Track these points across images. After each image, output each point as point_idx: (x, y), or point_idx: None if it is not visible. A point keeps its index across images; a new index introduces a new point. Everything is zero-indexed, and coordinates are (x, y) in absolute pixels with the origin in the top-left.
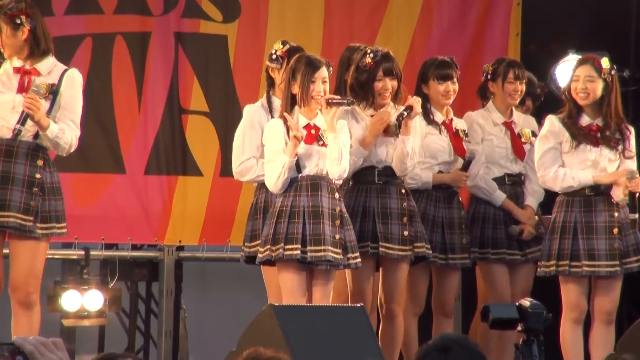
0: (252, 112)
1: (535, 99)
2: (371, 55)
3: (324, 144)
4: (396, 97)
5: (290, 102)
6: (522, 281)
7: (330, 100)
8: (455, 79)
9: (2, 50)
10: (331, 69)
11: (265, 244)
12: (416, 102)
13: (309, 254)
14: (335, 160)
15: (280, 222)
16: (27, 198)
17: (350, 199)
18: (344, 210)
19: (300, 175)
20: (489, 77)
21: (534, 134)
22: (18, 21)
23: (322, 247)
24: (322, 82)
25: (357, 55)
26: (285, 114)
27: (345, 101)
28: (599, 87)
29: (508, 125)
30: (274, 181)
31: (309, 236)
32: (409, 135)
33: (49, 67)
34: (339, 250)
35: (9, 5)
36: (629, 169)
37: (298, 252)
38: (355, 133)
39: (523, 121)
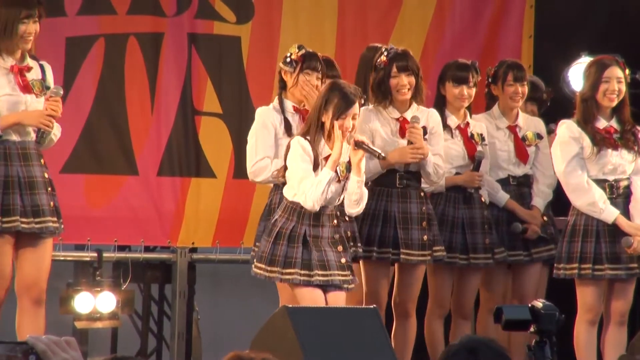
0: (264, 114)
1: (540, 104)
2: (385, 53)
3: (339, 180)
4: (416, 94)
5: (319, 131)
6: (528, 282)
7: (361, 144)
8: (471, 84)
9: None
10: (362, 100)
11: (272, 264)
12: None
13: (317, 277)
14: (354, 203)
15: (292, 247)
16: (49, 199)
17: (371, 201)
18: (344, 234)
19: None
20: (490, 80)
21: (539, 136)
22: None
23: (329, 272)
24: (352, 117)
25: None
26: (361, 137)
27: (377, 154)
28: (624, 89)
29: (512, 128)
30: (318, 197)
31: (314, 262)
32: (427, 156)
33: (31, 62)
34: (347, 272)
35: None
36: None
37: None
38: (379, 133)
39: (529, 123)
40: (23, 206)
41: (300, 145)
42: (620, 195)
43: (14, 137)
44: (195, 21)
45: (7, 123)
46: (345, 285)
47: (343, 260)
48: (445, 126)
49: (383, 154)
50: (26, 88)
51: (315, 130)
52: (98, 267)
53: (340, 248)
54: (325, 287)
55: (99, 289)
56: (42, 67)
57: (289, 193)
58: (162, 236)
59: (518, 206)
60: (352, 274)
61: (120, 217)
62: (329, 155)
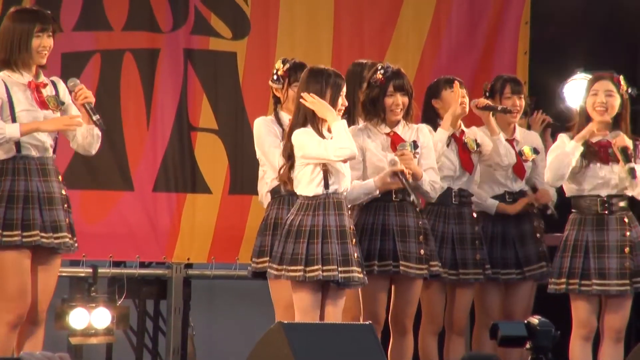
0: (265, 123)
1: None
2: (382, 71)
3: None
4: (407, 114)
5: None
6: (520, 300)
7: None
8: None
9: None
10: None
11: (294, 263)
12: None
13: (340, 275)
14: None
15: (313, 243)
16: (65, 216)
17: (368, 216)
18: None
19: (327, 192)
20: (487, 94)
21: (536, 151)
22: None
23: (350, 268)
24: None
25: (365, 72)
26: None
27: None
28: (616, 103)
29: (509, 142)
30: (348, 144)
31: (339, 257)
32: (420, 178)
33: (45, 79)
34: (360, 269)
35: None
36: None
37: (335, 273)
38: (369, 149)
39: (526, 137)
40: (42, 221)
41: (304, 131)
42: (613, 212)
43: (33, 153)
44: (191, 37)
45: (27, 129)
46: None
47: (356, 254)
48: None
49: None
50: (43, 104)
51: (312, 117)
52: (93, 283)
53: (354, 241)
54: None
55: (94, 304)
56: (53, 83)
57: (309, 188)
58: (157, 252)
59: (511, 205)
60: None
61: (115, 232)
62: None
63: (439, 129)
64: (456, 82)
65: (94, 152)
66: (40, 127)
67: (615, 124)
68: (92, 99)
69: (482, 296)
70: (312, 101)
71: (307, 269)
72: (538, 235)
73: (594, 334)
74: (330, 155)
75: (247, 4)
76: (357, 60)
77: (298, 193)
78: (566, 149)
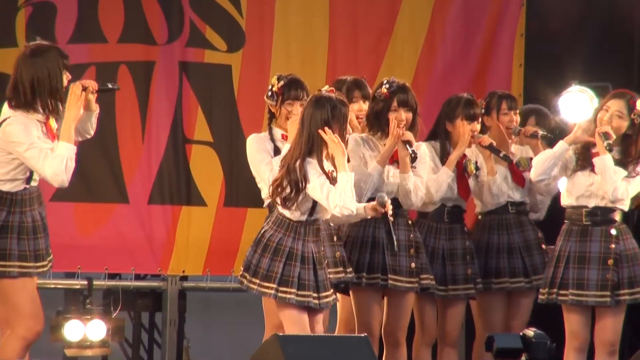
0: (258, 140)
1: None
2: (387, 85)
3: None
4: (412, 130)
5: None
6: (523, 310)
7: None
8: (480, 119)
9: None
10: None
11: (269, 280)
12: (409, 135)
13: (320, 300)
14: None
15: (289, 265)
16: (48, 241)
17: (359, 229)
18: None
19: (309, 219)
20: (482, 111)
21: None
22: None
23: (328, 293)
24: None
25: (343, 89)
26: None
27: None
28: (624, 125)
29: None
30: (349, 202)
31: (316, 282)
32: (409, 172)
33: None
34: (329, 293)
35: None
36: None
37: (310, 299)
38: (369, 161)
39: (519, 152)
40: (46, 249)
41: (313, 162)
42: (598, 224)
43: (33, 183)
44: (187, 49)
45: (69, 136)
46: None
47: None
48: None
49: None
50: (52, 134)
51: (317, 147)
52: (88, 295)
53: (324, 264)
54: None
55: (89, 316)
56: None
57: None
58: (152, 264)
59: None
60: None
61: (110, 245)
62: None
63: (443, 168)
64: (465, 122)
65: (92, 132)
66: (70, 125)
67: (624, 146)
68: (94, 85)
69: (484, 309)
70: (331, 138)
71: (280, 288)
72: (543, 246)
73: (588, 346)
74: (330, 207)
75: (242, 16)
76: (338, 77)
77: (280, 211)
78: (554, 149)
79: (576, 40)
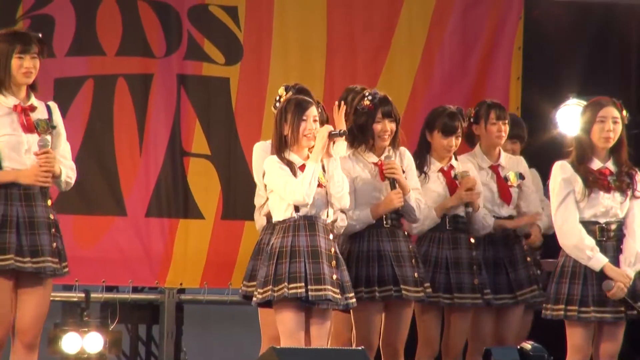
0: (260, 147)
1: (521, 141)
2: (369, 97)
3: (320, 185)
4: (394, 140)
5: (283, 144)
6: (512, 325)
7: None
8: (459, 132)
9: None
10: (320, 109)
11: (266, 284)
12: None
13: (309, 292)
14: (339, 188)
15: (281, 263)
16: (51, 240)
17: (362, 243)
18: (338, 251)
19: (298, 215)
20: (472, 120)
21: (521, 176)
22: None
23: (323, 287)
24: (313, 120)
25: (352, 97)
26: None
27: (338, 132)
28: (619, 130)
29: (494, 168)
30: (306, 190)
31: (309, 275)
32: (408, 193)
33: (37, 102)
34: (337, 290)
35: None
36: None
37: (302, 290)
38: (361, 177)
39: (511, 163)
40: (20, 245)
41: (275, 160)
42: (611, 239)
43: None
44: (185, 62)
45: (3, 180)
46: (335, 302)
47: (334, 276)
48: (422, 172)
49: (344, 130)
50: (29, 128)
51: (282, 143)
52: (86, 308)
53: (334, 263)
54: (317, 302)
55: (86, 329)
56: (48, 107)
57: (279, 212)
58: (150, 277)
59: (510, 220)
60: (342, 292)
61: (108, 257)
62: (302, 166)
63: (432, 214)
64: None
65: (72, 184)
66: (18, 180)
67: (615, 150)
68: (51, 171)
69: (475, 322)
70: (323, 135)
71: (275, 288)
72: (529, 259)
73: None
74: (287, 195)
75: (240, 29)
76: (350, 85)
77: (274, 219)
78: (588, 255)
79: (574, 53)
